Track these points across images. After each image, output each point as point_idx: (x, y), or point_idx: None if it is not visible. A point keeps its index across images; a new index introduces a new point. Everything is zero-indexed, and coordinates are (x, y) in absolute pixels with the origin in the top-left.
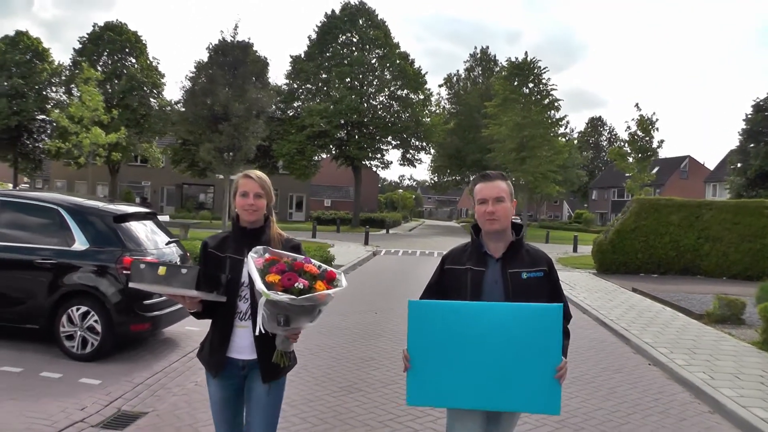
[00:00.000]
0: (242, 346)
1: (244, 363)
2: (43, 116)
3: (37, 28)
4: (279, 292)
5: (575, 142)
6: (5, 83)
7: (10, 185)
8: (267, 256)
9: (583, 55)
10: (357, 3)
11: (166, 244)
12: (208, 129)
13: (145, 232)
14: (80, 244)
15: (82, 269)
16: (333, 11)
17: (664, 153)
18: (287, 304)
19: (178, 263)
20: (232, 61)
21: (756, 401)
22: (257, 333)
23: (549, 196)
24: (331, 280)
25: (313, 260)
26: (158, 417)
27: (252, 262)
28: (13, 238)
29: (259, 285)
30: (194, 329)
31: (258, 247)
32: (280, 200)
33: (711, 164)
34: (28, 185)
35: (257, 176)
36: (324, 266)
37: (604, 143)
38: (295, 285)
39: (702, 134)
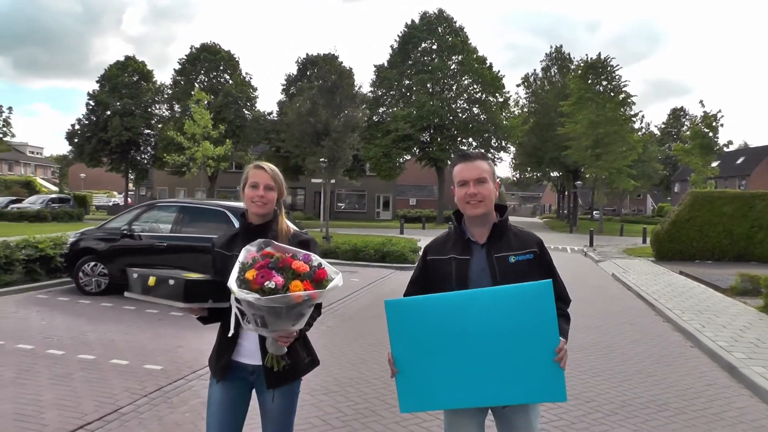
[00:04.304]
0: (251, 350)
1: (254, 368)
2: (148, 131)
3: (125, 44)
4: (245, 291)
5: (656, 134)
6: (118, 103)
7: (115, 193)
8: (267, 249)
9: (666, 41)
10: (435, 12)
11: None
12: (312, 143)
13: None
14: None
15: None
16: (413, 21)
17: (751, 142)
18: (255, 304)
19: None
20: (331, 87)
21: (726, 339)
22: (230, 334)
23: (629, 190)
24: (319, 281)
25: (314, 257)
26: None
27: (242, 255)
28: (195, 231)
29: (230, 281)
30: None
31: (260, 239)
32: (368, 200)
33: None
34: (133, 192)
35: (269, 168)
36: (321, 264)
37: (687, 134)
38: (266, 284)
39: None
